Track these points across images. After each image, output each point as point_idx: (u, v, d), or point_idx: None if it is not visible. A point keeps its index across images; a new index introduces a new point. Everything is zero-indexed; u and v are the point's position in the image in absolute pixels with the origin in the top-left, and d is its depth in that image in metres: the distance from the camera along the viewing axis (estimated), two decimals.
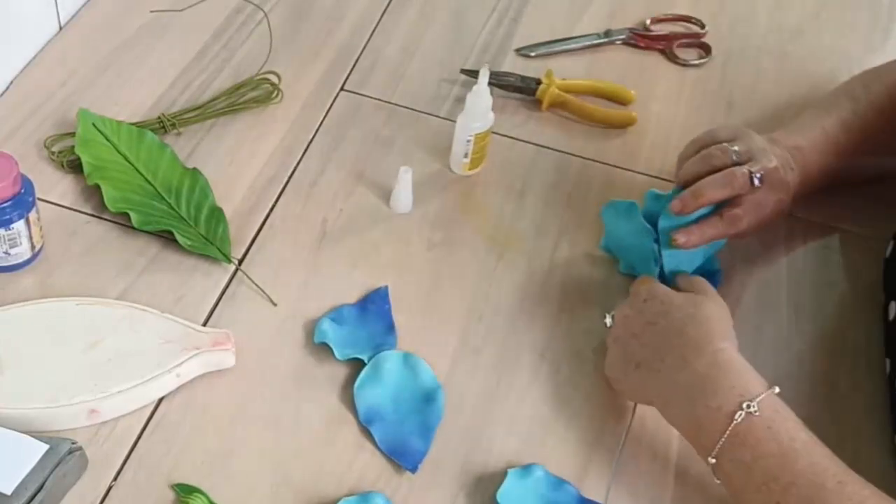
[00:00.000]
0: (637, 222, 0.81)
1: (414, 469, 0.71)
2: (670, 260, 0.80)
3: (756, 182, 0.79)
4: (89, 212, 0.85)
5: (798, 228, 0.93)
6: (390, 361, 0.76)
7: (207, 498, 0.68)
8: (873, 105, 0.89)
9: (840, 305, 0.88)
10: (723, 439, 0.66)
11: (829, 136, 0.87)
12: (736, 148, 0.81)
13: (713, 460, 0.67)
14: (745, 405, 0.66)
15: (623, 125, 1.01)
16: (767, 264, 0.90)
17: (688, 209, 0.78)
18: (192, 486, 0.68)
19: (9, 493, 0.64)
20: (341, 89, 1.01)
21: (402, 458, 0.72)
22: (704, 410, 0.68)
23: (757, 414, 0.66)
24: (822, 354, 0.84)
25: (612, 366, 0.76)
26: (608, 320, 0.77)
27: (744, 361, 0.70)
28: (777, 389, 0.68)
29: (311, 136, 0.95)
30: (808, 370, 0.83)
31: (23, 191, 0.76)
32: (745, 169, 0.79)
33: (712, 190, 0.79)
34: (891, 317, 0.82)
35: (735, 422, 0.66)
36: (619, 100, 1.04)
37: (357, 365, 0.76)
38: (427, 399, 0.75)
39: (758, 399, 0.66)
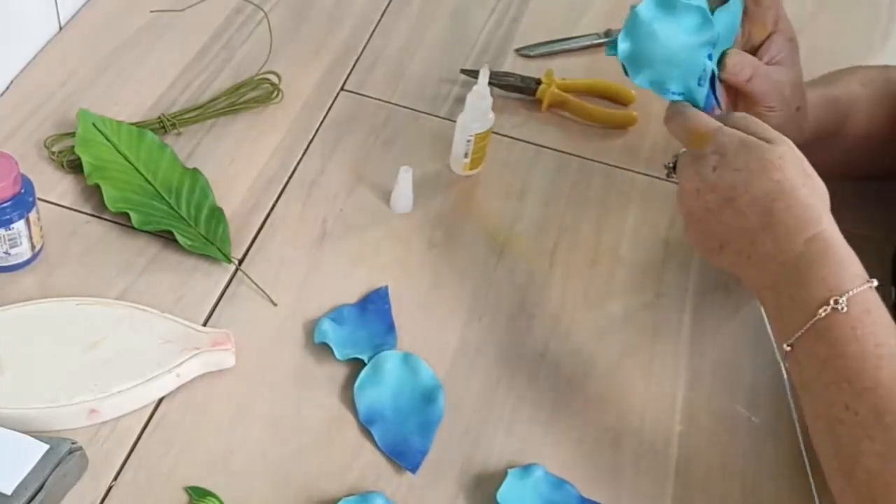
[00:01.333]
0: (692, 20, 0.70)
1: (414, 469, 0.71)
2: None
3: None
4: (89, 212, 0.85)
5: None
6: (390, 361, 0.76)
7: (220, 502, 0.68)
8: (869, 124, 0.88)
9: None
10: (801, 331, 0.62)
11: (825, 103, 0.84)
12: None
13: (788, 348, 0.63)
14: (832, 300, 0.61)
15: (623, 125, 1.01)
16: None
17: None
18: (205, 490, 0.68)
19: (9, 493, 0.64)
20: (341, 89, 1.01)
21: (403, 458, 0.72)
22: (788, 301, 0.64)
23: (844, 311, 0.61)
24: None
25: (693, 241, 0.70)
26: (668, 167, 0.72)
27: (842, 245, 0.64)
28: (875, 283, 0.62)
29: (311, 136, 0.95)
30: None
31: (23, 191, 0.76)
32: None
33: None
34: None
35: (818, 317, 0.62)
36: (619, 100, 1.04)
37: (357, 365, 0.76)
38: (427, 399, 0.75)
39: (848, 295, 0.61)
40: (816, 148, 0.75)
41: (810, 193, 0.65)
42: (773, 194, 0.65)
